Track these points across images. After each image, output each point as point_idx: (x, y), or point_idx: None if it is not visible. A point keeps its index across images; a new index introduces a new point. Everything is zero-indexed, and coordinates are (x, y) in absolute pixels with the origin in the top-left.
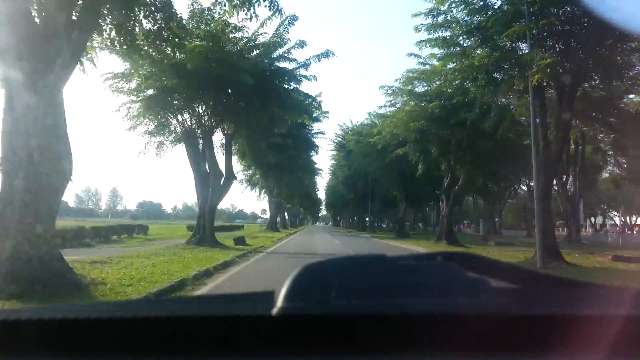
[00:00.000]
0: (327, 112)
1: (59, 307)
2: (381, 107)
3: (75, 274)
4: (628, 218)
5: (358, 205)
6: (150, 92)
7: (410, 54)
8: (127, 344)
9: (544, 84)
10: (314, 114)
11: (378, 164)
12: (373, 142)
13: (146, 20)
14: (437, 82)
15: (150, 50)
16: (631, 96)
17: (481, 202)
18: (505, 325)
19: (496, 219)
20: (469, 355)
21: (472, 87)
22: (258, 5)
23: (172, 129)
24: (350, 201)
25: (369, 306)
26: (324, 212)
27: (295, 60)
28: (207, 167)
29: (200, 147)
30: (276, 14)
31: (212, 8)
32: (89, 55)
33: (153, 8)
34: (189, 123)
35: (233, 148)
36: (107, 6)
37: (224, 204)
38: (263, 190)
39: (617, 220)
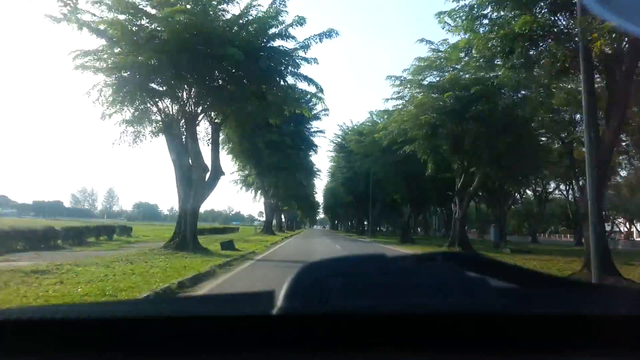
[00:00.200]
0: (327, 110)
1: (59, 308)
2: (387, 99)
3: None
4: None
5: (357, 208)
6: (125, 74)
7: (422, 40)
8: (128, 344)
9: (596, 62)
10: (315, 108)
11: (381, 164)
12: (378, 137)
13: None
14: (457, 67)
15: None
16: None
17: (483, 206)
18: (505, 325)
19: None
20: (469, 355)
21: (505, 64)
22: None
23: (152, 117)
24: (350, 204)
25: (369, 306)
26: (321, 215)
27: (294, 38)
28: (189, 161)
29: (184, 138)
30: None
31: None
32: None
33: None
34: (170, 110)
35: (227, 146)
36: None
37: (220, 206)
38: (259, 192)
39: (621, 227)
